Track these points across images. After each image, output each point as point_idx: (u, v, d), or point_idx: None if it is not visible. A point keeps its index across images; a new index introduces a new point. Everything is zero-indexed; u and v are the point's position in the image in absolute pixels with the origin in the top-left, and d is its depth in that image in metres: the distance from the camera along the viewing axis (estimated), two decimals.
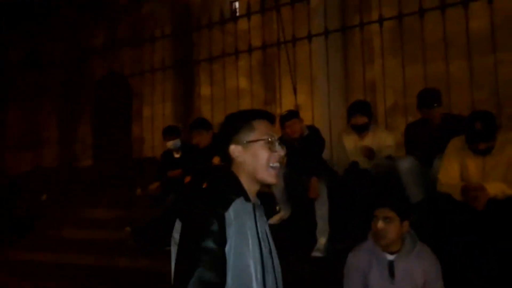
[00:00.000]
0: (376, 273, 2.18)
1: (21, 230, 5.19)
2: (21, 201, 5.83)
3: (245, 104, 5.49)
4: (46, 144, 7.63)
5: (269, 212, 3.07)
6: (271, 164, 1.34)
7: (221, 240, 1.21)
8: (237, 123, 1.38)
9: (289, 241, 3.36)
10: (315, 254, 3.12)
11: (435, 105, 3.21)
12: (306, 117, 4.84)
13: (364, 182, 3.14)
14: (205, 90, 6.07)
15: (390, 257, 2.17)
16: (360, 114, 3.49)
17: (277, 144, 1.36)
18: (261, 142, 1.34)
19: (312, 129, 3.65)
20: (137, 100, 7.11)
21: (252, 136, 1.35)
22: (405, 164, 3.08)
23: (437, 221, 2.74)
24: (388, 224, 2.11)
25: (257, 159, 1.33)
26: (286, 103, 4.91)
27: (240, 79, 5.05)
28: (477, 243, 2.52)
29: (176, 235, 1.30)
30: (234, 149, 1.35)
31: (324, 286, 2.44)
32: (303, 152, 3.46)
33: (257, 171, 1.33)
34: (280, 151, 1.36)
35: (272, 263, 1.33)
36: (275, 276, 1.33)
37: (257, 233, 1.28)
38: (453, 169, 2.78)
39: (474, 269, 2.46)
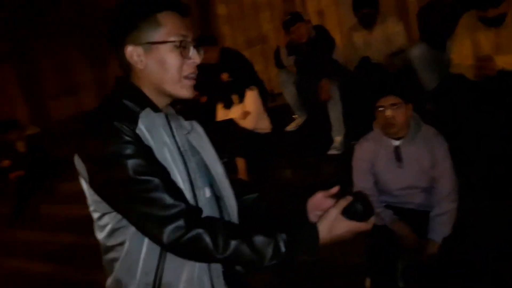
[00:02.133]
0: (384, 159, 2.23)
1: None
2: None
3: (266, 18, 5.29)
4: (81, 88, 7.21)
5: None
6: (184, 75, 1.03)
7: (146, 153, 0.95)
8: (136, 14, 1.01)
9: (307, 144, 3.47)
10: (332, 152, 3.20)
11: None
12: (331, 23, 4.60)
13: (375, 76, 3.09)
14: (221, 9, 5.89)
15: (396, 142, 2.19)
16: (367, 8, 3.30)
17: (191, 48, 1.03)
18: (170, 45, 1.01)
19: (320, 29, 3.52)
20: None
21: (157, 35, 1.00)
22: (416, 52, 2.96)
23: (451, 105, 2.69)
24: (395, 111, 2.09)
25: (164, 67, 1.01)
26: (310, 11, 4.65)
27: None
28: (489, 120, 2.49)
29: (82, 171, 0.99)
30: (133, 52, 1.01)
31: (341, 179, 2.55)
32: (312, 55, 3.40)
33: (165, 83, 1.02)
34: (196, 58, 1.04)
35: (208, 175, 1.11)
36: (212, 188, 1.12)
37: (177, 146, 1.04)
38: (465, 47, 2.65)
39: (486, 149, 2.47)
